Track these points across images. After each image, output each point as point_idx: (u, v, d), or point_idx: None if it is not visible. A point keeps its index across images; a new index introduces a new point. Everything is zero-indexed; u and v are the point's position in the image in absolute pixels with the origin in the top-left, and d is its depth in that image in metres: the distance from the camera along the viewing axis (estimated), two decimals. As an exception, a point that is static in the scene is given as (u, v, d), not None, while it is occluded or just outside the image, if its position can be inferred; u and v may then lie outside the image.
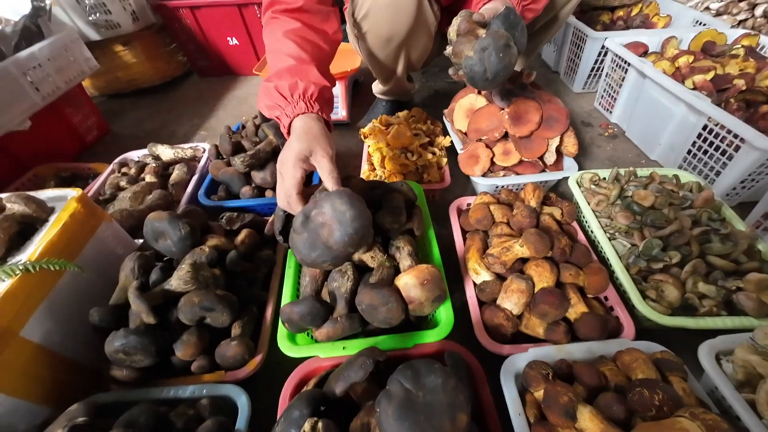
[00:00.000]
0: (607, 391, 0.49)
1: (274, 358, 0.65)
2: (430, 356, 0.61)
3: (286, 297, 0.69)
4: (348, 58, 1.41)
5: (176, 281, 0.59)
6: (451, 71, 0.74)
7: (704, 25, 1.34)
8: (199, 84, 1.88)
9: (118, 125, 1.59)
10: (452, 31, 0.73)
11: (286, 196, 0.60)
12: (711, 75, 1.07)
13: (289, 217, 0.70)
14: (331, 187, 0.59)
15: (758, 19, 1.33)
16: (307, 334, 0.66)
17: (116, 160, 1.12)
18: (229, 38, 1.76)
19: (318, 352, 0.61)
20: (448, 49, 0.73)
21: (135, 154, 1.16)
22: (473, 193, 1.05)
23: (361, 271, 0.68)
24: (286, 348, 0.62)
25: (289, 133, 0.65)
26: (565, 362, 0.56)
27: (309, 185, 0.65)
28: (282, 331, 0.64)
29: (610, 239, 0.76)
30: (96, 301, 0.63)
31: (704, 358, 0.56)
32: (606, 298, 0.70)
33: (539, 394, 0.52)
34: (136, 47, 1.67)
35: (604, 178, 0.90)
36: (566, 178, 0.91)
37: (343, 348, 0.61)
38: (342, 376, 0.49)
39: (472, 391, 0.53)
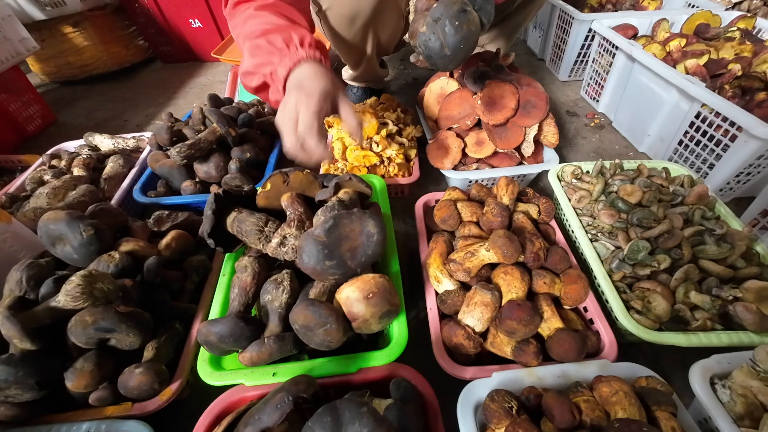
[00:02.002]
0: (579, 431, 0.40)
1: (204, 384, 0.55)
2: (378, 382, 0.51)
3: (215, 312, 0.59)
4: (316, 41, 1.30)
5: (63, 297, 0.48)
6: (412, 57, 0.64)
7: (697, 7, 1.25)
8: (161, 71, 1.75)
9: (66, 114, 1.45)
10: (411, 10, 0.63)
11: (308, 127, 0.53)
12: (704, 59, 0.98)
13: (221, 216, 0.60)
14: (354, 125, 0.60)
15: (754, 1, 1.24)
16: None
17: (49, 152, 1.00)
18: (191, 20, 1.62)
19: (243, 379, 0.51)
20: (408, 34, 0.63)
21: (71, 145, 1.03)
22: (447, 187, 0.96)
23: (303, 280, 0.58)
24: (206, 374, 0.52)
25: (284, 90, 0.59)
26: (534, 391, 0.47)
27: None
28: (204, 353, 0.54)
29: (592, 241, 0.67)
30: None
31: (696, 384, 0.47)
32: (585, 309, 0.61)
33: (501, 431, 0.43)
34: (87, 29, 1.53)
35: (588, 172, 0.81)
36: (546, 172, 0.81)
37: (273, 374, 0.51)
38: (252, 419, 0.40)
39: (420, 429, 0.44)
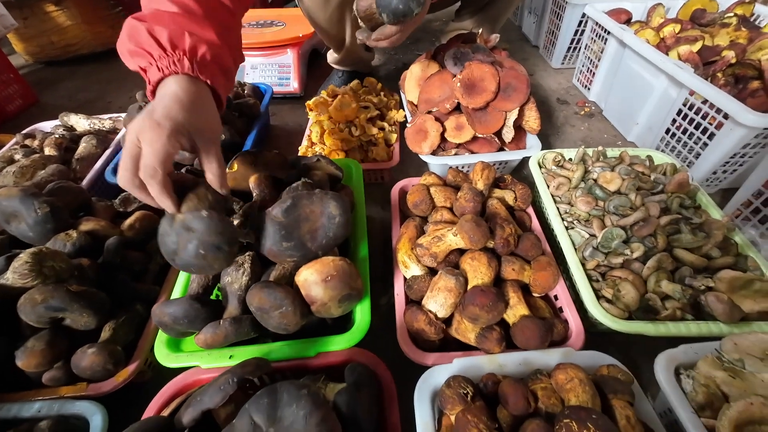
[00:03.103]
0: (534, 419, 0.39)
1: (165, 367, 0.54)
2: (338, 367, 0.50)
3: (176, 294, 0.57)
4: (303, 24, 1.26)
5: (12, 274, 0.47)
6: (360, 35, 0.62)
7: (695, -8, 1.20)
8: (148, 53, 1.71)
9: (49, 95, 1.43)
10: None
11: (147, 171, 0.40)
12: (698, 46, 0.95)
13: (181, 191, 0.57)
14: (216, 181, 0.46)
15: (754, -13, 1.20)
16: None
17: (23, 131, 0.98)
18: None
19: (199, 361, 0.50)
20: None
21: (47, 125, 1.01)
22: (428, 174, 0.93)
23: (266, 263, 0.57)
24: (162, 356, 0.51)
25: (153, 93, 0.48)
26: (493, 377, 0.45)
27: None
28: (161, 335, 0.53)
29: (567, 228, 0.66)
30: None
31: (661, 373, 0.46)
32: (556, 297, 0.60)
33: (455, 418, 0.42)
34: (70, 8, 1.49)
35: (570, 159, 0.79)
36: (528, 159, 0.79)
37: (230, 356, 0.50)
38: (195, 400, 0.39)
39: (374, 414, 0.43)
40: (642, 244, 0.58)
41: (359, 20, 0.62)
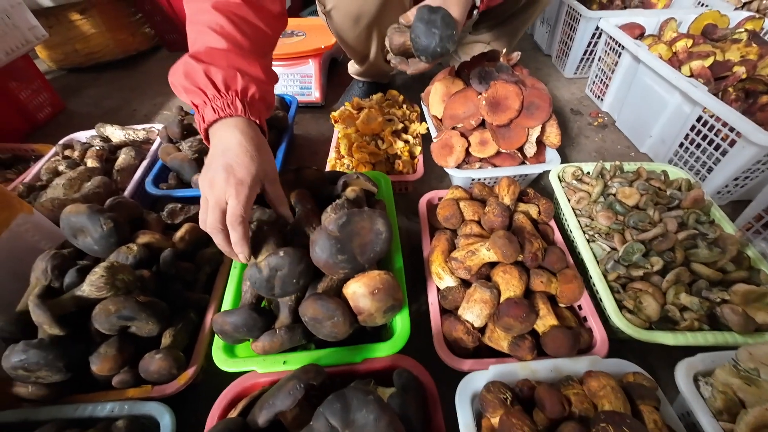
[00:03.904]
0: (569, 422, 0.43)
1: (216, 370, 0.58)
2: (381, 372, 0.54)
3: (227, 303, 0.62)
4: (323, 34, 1.30)
5: (88, 287, 0.51)
6: (395, 61, 0.66)
7: (706, 6, 1.24)
8: (167, 59, 1.75)
9: (75, 102, 1.47)
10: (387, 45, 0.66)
11: (236, 218, 0.47)
12: (710, 61, 0.99)
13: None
14: (285, 216, 0.57)
15: (764, 2, 1.23)
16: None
17: (61, 142, 1.02)
18: (197, 9, 1.62)
19: (255, 366, 0.54)
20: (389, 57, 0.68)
21: (83, 135, 1.05)
22: (450, 185, 0.98)
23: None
24: (221, 361, 0.55)
25: (207, 132, 0.54)
26: (528, 383, 0.50)
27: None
28: (218, 341, 0.57)
29: (589, 241, 0.70)
30: (10, 306, 0.56)
31: (681, 380, 0.50)
32: (580, 307, 0.64)
33: (496, 420, 0.46)
34: (94, 16, 1.53)
35: (588, 173, 0.83)
36: (547, 172, 0.83)
37: (284, 362, 0.55)
38: (267, 403, 0.43)
39: (421, 417, 0.47)
40: (661, 258, 0.62)
41: (390, 50, 0.66)
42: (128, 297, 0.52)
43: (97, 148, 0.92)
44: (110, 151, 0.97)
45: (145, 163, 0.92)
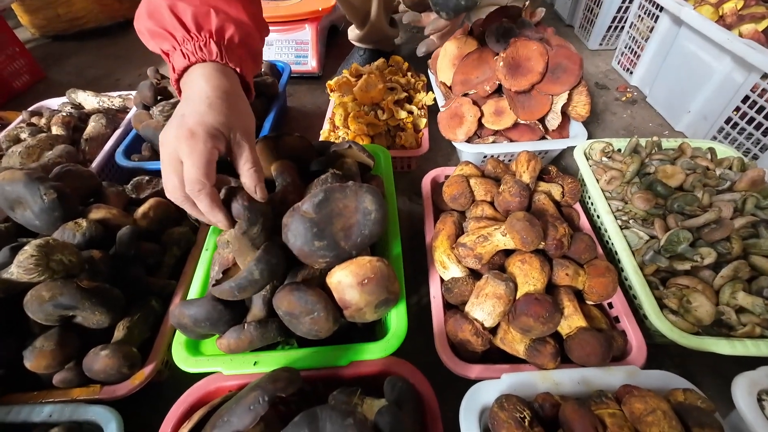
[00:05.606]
0: (606, 454, 0.34)
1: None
2: (371, 378, 0.45)
3: (194, 291, 0.53)
4: (320, -5, 1.17)
5: (16, 269, 0.42)
6: (408, 18, 0.55)
7: (757, -35, 1.09)
8: (157, 28, 1.63)
9: (56, 71, 1.37)
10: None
11: (193, 185, 0.37)
12: (764, 25, 0.85)
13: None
14: (252, 186, 0.41)
15: (826, -40, 1.07)
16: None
17: (30, 108, 0.93)
18: (188, -29, 1.49)
19: (221, 366, 0.46)
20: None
21: (55, 102, 0.96)
22: (459, 163, 0.87)
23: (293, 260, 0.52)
24: (181, 359, 0.47)
25: (179, 82, 0.43)
26: (550, 399, 0.40)
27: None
28: (180, 336, 0.48)
29: (621, 228, 0.59)
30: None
31: (741, 399, 0.41)
32: (611, 305, 0.54)
33: (510, 445, 0.37)
34: (76, -23, 1.41)
35: (620, 150, 0.72)
36: (572, 149, 0.72)
37: (255, 363, 0.46)
38: (221, 420, 0.34)
39: (416, 436, 0.38)
40: (714, 249, 0.51)
41: (404, 4, 0.55)
42: (67, 282, 0.43)
43: (64, 114, 0.82)
44: (81, 119, 0.87)
45: (117, 133, 0.83)
